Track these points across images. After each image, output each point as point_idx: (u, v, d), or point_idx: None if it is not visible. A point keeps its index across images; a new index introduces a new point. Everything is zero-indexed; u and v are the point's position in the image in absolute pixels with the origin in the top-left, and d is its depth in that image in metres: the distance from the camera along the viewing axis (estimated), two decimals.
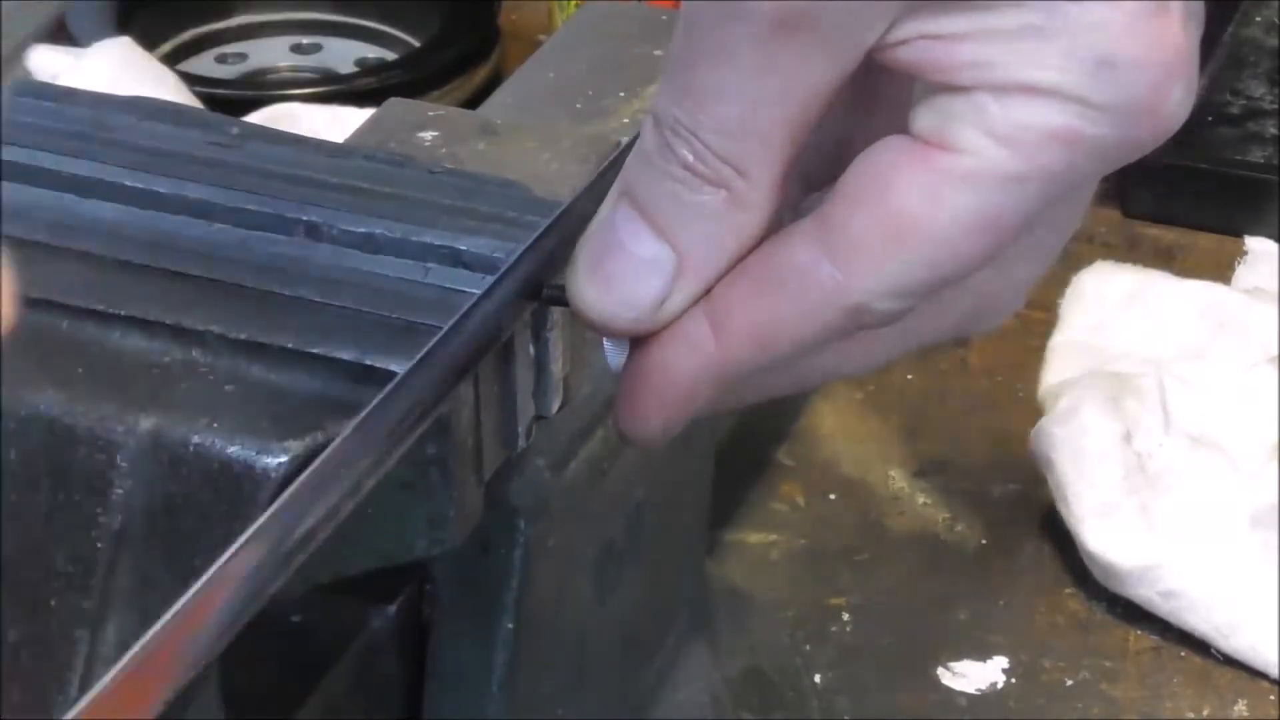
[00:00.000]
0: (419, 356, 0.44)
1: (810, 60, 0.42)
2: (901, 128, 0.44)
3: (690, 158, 0.43)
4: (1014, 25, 0.41)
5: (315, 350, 0.45)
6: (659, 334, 0.45)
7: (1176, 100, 0.42)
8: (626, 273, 0.44)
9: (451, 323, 0.45)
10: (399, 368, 0.45)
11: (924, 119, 0.43)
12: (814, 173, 0.46)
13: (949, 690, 0.81)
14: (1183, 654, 0.82)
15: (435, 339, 0.44)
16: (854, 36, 0.42)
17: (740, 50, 0.42)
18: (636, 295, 0.44)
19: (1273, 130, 1.17)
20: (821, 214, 0.44)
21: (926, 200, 0.43)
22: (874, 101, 0.47)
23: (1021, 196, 0.43)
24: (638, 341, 0.46)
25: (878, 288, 0.44)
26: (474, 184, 0.52)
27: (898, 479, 0.93)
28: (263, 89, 1.11)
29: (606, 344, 0.47)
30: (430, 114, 0.64)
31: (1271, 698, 0.80)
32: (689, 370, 0.45)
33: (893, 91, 0.46)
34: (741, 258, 0.45)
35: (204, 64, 1.16)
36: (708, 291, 0.45)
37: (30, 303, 0.46)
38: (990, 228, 0.43)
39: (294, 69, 1.17)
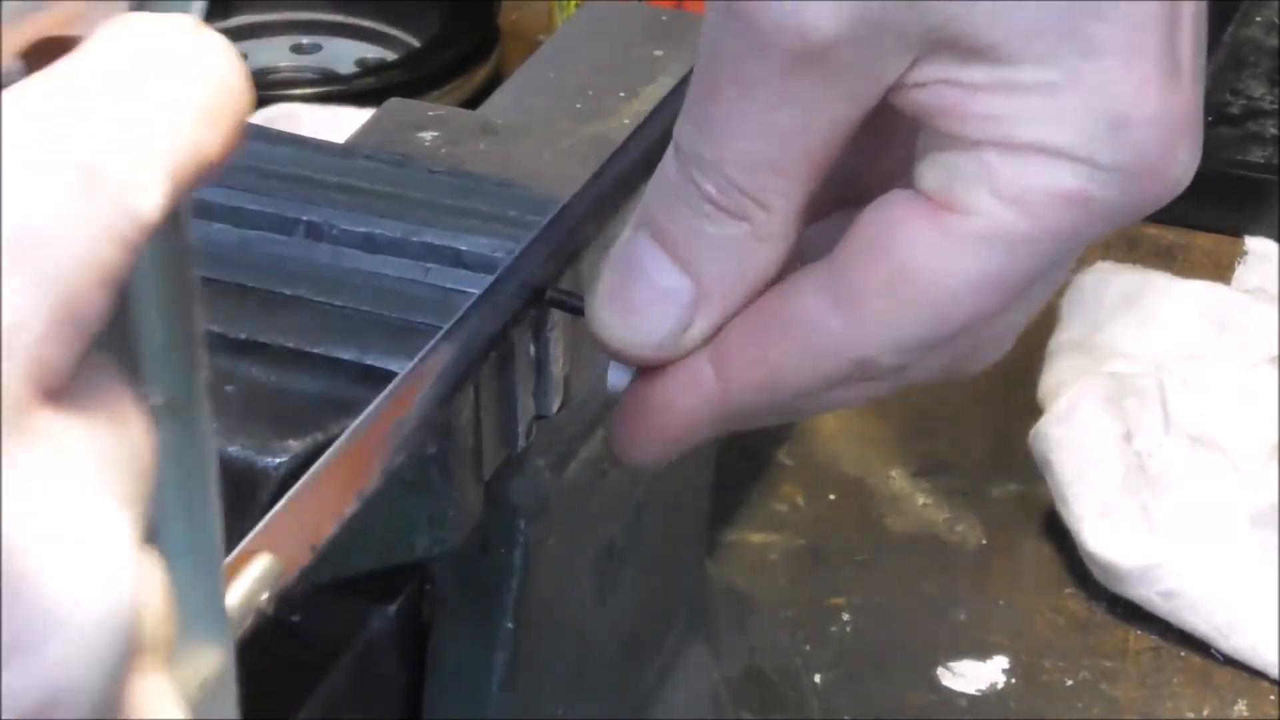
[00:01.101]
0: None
1: (831, 96, 0.42)
2: (910, 166, 0.44)
3: (712, 191, 0.43)
4: (1031, 81, 0.41)
5: (315, 350, 0.45)
6: (664, 371, 0.46)
7: (1183, 162, 0.42)
8: (648, 302, 0.45)
9: (452, 322, 0.45)
10: (399, 368, 0.45)
11: (931, 176, 0.43)
12: (821, 201, 0.46)
13: (949, 690, 0.81)
14: (1183, 654, 0.82)
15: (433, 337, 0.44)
16: (874, 74, 0.42)
17: (761, 85, 0.42)
18: (657, 325, 0.45)
19: (1273, 130, 1.17)
20: (830, 264, 0.44)
21: (935, 261, 0.43)
22: (886, 137, 0.47)
23: (1029, 258, 0.43)
24: (643, 373, 0.46)
25: (884, 343, 0.44)
26: (474, 184, 0.52)
27: (898, 479, 0.93)
28: (263, 89, 1.11)
29: (612, 366, 0.47)
30: (430, 114, 0.64)
31: (1271, 698, 0.80)
32: (691, 409, 0.46)
33: (905, 129, 0.46)
34: (763, 288, 0.45)
35: None
36: (727, 321, 0.45)
37: None
38: (997, 288, 0.43)
39: (294, 69, 1.17)
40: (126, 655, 0.27)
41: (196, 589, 0.32)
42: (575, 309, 0.48)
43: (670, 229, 0.44)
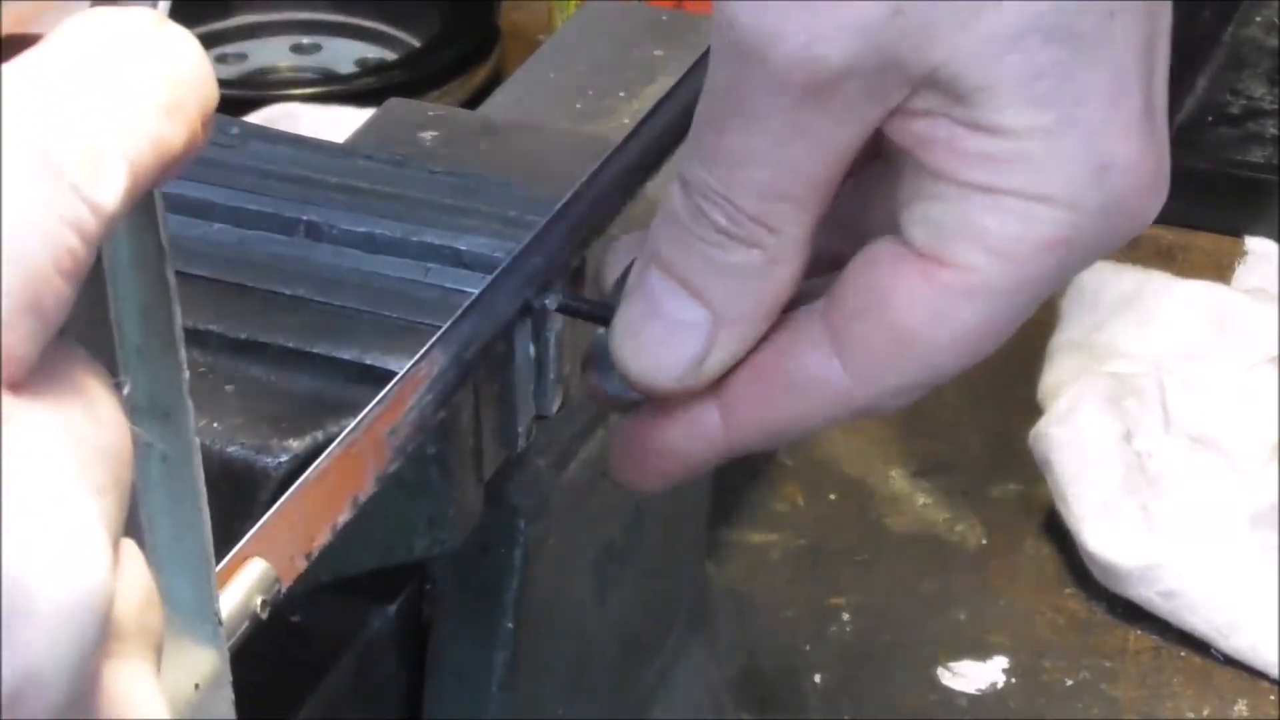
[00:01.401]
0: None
1: (838, 123, 0.43)
2: (894, 215, 0.45)
3: (723, 220, 0.44)
4: (1024, 125, 0.42)
5: (315, 350, 0.45)
6: (670, 415, 0.47)
7: (1157, 201, 0.44)
8: (665, 337, 0.45)
9: (454, 318, 0.45)
10: (399, 368, 0.45)
11: (920, 229, 0.44)
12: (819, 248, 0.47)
13: (949, 690, 0.81)
14: (1183, 654, 0.82)
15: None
16: (879, 100, 0.43)
17: (772, 118, 0.43)
18: (676, 358, 0.45)
19: (1273, 130, 1.17)
20: (827, 317, 0.45)
21: (931, 317, 0.44)
22: (871, 188, 0.48)
23: (1017, 304, 0.44)
24: (649, 406, 0.47)
25: (886, 392, 0.46)
26: (474, 184, 0.52)
27: (898, 479, 0.92)
28: (263, 89, 1.11)
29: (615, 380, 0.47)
30: (430, 114, 0.64)
31: (1271, 698, 0.80)
32: (695, 453, 0.47)
33: (889, 177, 0.46)
34: (777, 312, 0.45)
35: None
36: (746, 348, 0.46)
37: None
38: (989, 335, 0.45)
39: (294, 69, 1.17)
40: (97, 641, 0.27)
41: (187, 590, 0.32)
42: (592, 316, 0.48)
43: (682, 262, 0.45)
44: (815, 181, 0.43)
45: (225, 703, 0.34)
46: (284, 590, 0.39)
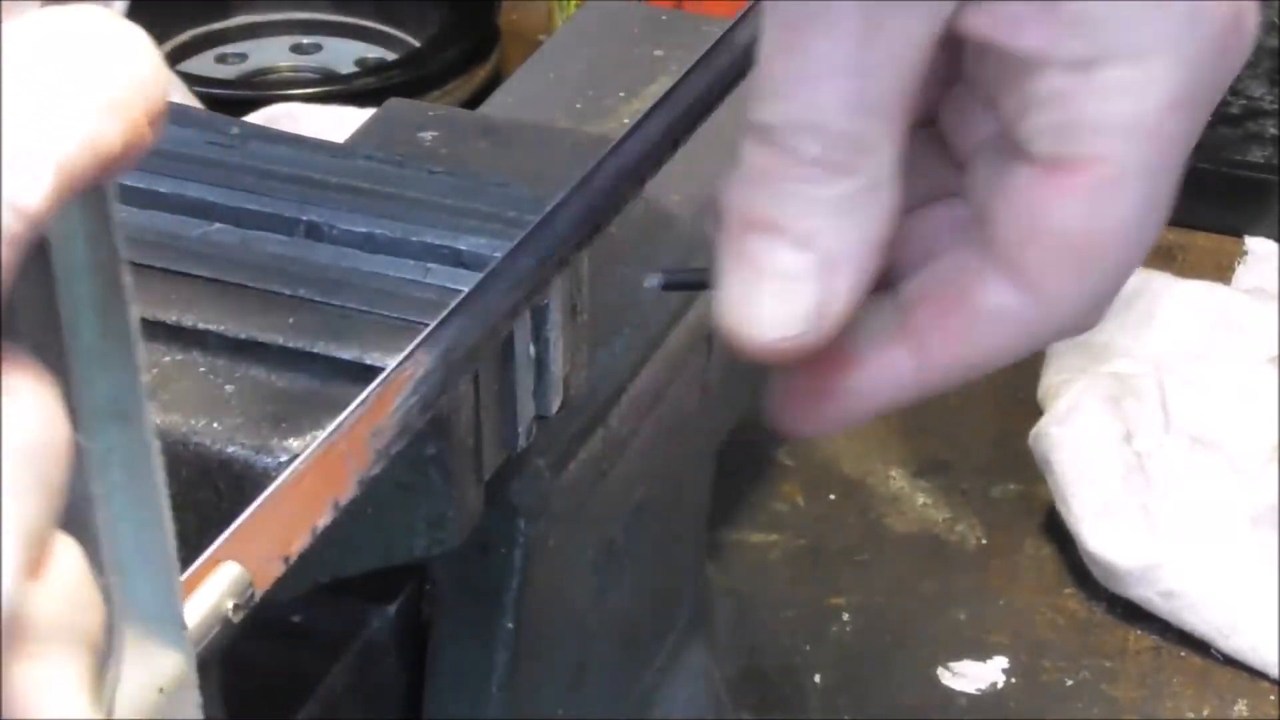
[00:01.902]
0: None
1: (914, 13, 0.42)
2: (998, 140, 0.44)
3: (815, 149, 0.42)
4: None
5: (315, 350, 0.45)
6: (856, 361, 0.45)
7: (1241, 35, 0.43)
8: (779, 295, 0.43)
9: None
10: (398, 367, 0.45)
11: (1039, 143, 0.43)
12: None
13: (949, 690, 0.81)
14: (1183, 654, 0.82)
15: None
16: None
17: (847, 18, 0.41)
18: (795, 312, 0.43)
19: (1273, 130, 1.17)
20: (994, 253, 0.44)
21: (1090, 221, 0.43)
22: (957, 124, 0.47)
23: (1163, 174, 0.43)
24: (827, 357, 0.45)
25: (1080, 309, 0.45)
26: (474, 184, 0.51)
27: (898, 479, 0.93)
28: (263, 89, 1.11)
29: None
30: (430, 114, 0.64)
31: (1271, 698, 0.80)
32: (884, 395, 0.46)
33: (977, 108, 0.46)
34: (885, 242, 0.44)
35: (204, 64, 1.16)
36: (863, 283, 0.44)
37: None
38: (1152, 215, 0.44)
39: (294, 69, 1.17)
40: None
41: (150, 593, 0.32)
42: (703, 285, 0.47)
43: (776, 213, 0.43)
44: (900, 84, 0.42)
45: (191, 705, 0.34)
46: (258, 595, 0.38)
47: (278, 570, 0.39)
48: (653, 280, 0.47)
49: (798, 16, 0.42)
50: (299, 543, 0.40)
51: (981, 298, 0.44)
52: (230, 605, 0.37)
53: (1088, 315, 0.45)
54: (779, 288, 0.43)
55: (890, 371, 0.46)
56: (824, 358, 0.45)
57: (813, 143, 0.42)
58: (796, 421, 0.47)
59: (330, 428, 0.41)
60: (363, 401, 0.41)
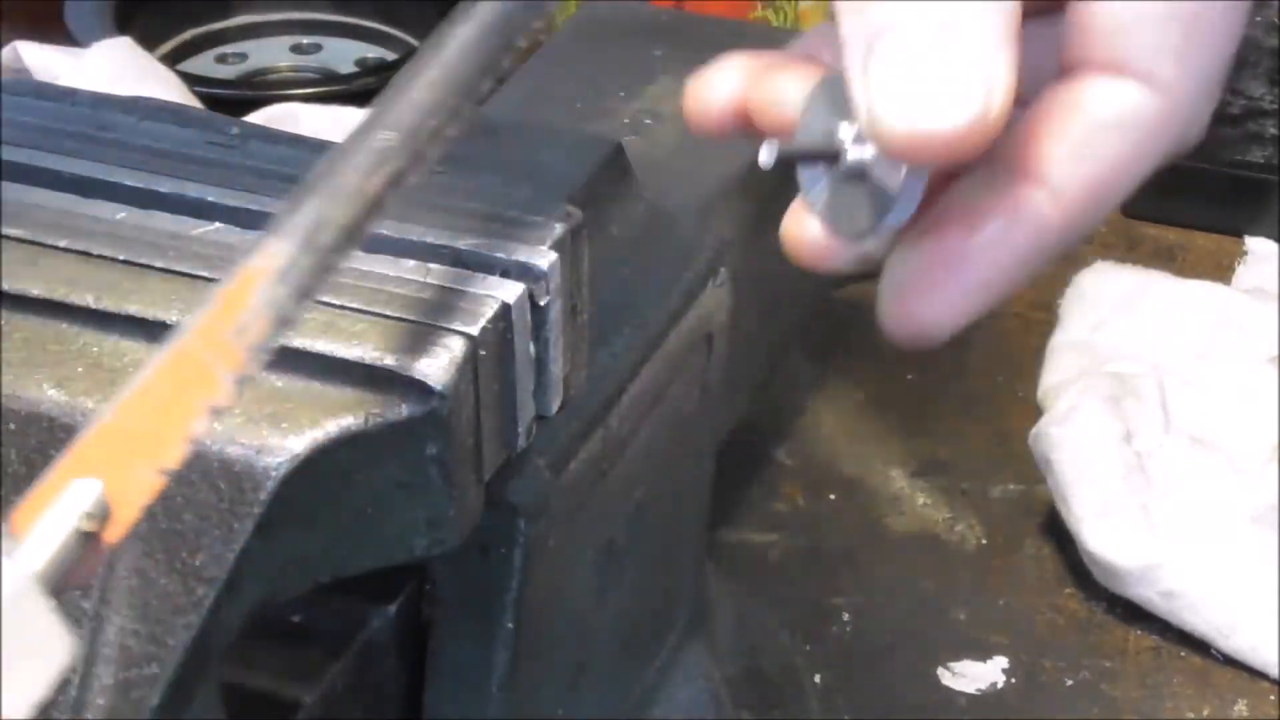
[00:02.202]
0: None
1: None
2: None
3: None
4: None
5: (315, 350, 0.45)
6: (983, 212, 0.43)
7: None
8: (942, 89, 0.40)
9: None
10: (399, 367, 0.45)
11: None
12: None
13: (949, 690, 0.81)
14: (1183, 654, 0.82)
15: None
16: None
17: None
18: (965, 106, 0.40)
19: (1273, 130, 1.17)
20: (1105, 52, 0.43)
21: None
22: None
23: None
24: (942, 225, 0.43)
25: (1192, 94, 0.43)
26: (474, 184, 0.51)
27: (898, 479, 0.93)
28: (263, 89, 1.11)
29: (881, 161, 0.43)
30: None
31: (1271, 698, 0.80)
32: (1026, 244, 0.43)
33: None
34: (1019, 28, 0.42)
35: (204, 64, 1.16)
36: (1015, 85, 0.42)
37: (31, 302, 0.46)
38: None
39: (294, 69, 1.17)
40: None
41: None
42: (821, 155, 0.45)
43: (917, 11, 0.41)
44: None
45: (43, 615, 0.34)
46: (137, 508, 0.37)
47: (160, 481, 0.38)
48: (767, 153, 0.44)
49: None
50: (176, 452, 0.38)
51: (1096, 106, 0.43)
52: (82, 517, 0.37)
53: (1200, 103, 0.43)
54: (941, 84, 0.40)
55: (1024, 212, 0.43)
56: (948, 219, 0.43)
57: None
58: (922, 311, 0.44)
59: (176, 333, 0.39)
60: (212, 304, 0.39)
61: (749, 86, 0.48)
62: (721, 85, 0.48)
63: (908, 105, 0.40)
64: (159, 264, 0.48)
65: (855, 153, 0.44)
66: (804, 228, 0.46)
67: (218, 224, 0.50)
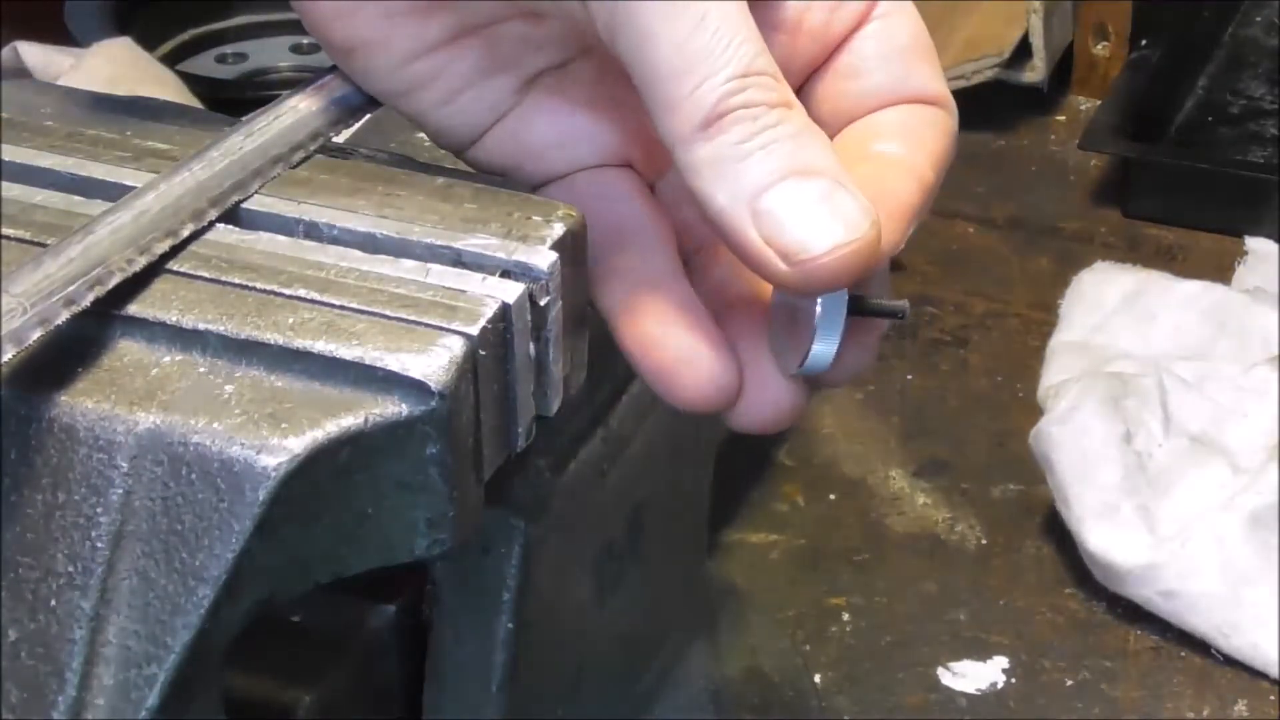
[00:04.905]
0: None
1: None
2: None
3: (771, 96, 0.45)
4: None
5: (315, 350, 0.45)
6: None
7: None
8: (826, 217, 0.45)
9: None
10: (399, 368, 0.45)
11: None
12: None
13: (949, 690, 0.81)
14: (1183, 654, 0.82)
15: None
16: None
17: None
18: (849, 215, 0.45)
19: (1273, 130, 1.18)
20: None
21: None
22: None
23: None
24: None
25: None
26: (473, 184, 0.51)
27: (898, 479, 0.93)
28: (263, 89, 1.11)
29: (821, 335, 0.47)
30: None
31: (1271, 698, 0.80)
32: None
33: None
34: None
35: (204, 64, 1.16)
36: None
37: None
38: None
39: (294, 69, 1.17)
40: None
41: None
42: (893, 313, 0.48)
43: (786, 164, 0.45)
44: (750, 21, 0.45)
45: None
46: None
47: None
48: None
49: (668, 11, 0.44)
50: None
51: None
52: None
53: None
54: (820, 210, 0.45)
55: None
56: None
57: (757, 90, 0.45)
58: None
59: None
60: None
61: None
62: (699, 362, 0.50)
63: (787, 242, 0.45)
64: (159, 264, 0.48)
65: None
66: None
67: (218, 224, 0.50)
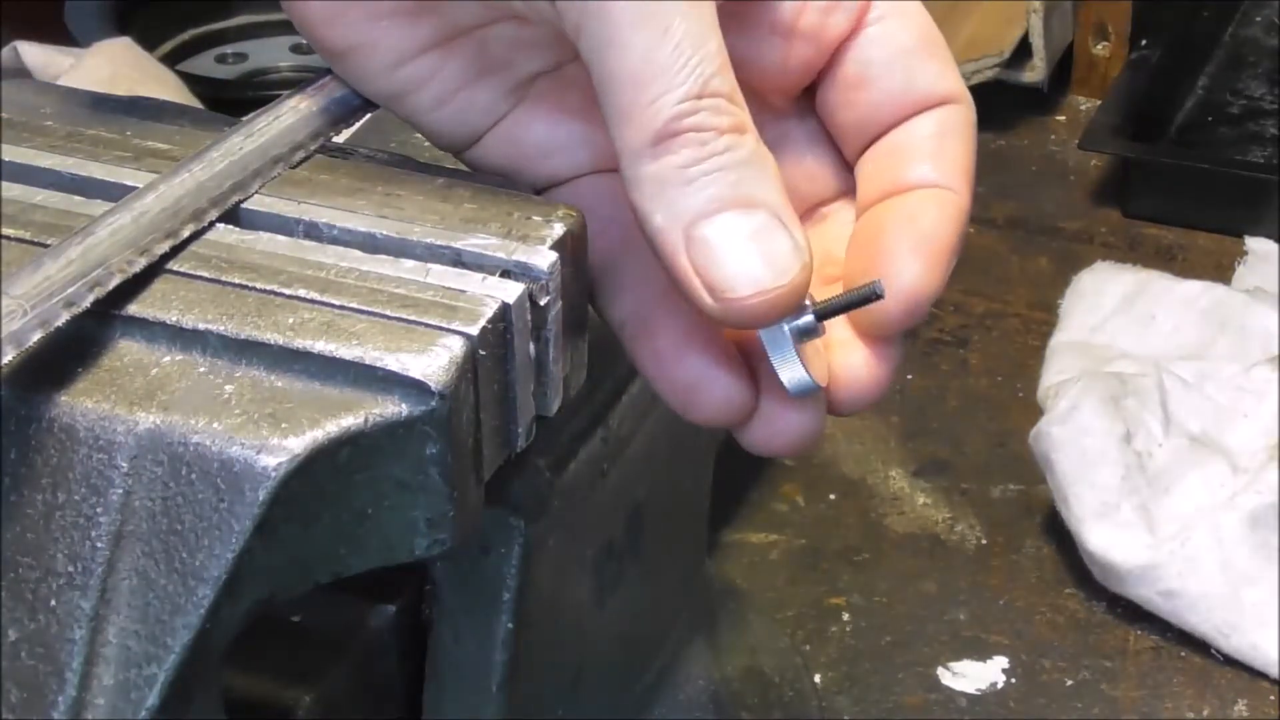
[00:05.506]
0: None
1: None
2: None
3: (724, 122, 0.45)
4: None
5: (315, 350, 0.45)
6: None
7: None
8: (756, 254, 0.45)
9: None
10: (399, 368, 0.45)
11: None
12: None
13: (949, 690, 0.81)
14: (1183, 654, 0.82)
15: None
16: None
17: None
18: (779, 256, 0.45)
19: (1273, 130, 1.18)
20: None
21: None
22: None
23: None
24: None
25: None
26: (473, 184, 0.51)
27: (897, 479, 0.93)
28: (263, 89, 1.11)
29: (788, 372, 0.47)
30: None
31: (1271, 698, 0.80)
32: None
33: None
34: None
35: (204, 64, 1.16)
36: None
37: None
38: None
39: (294, 69, 1.17)
40: None
41: None
42: (866, 298, 0.48)
43: (726, 194, 0.45)
44: (721, 43, 0.45)
45: None
46: None
47: None
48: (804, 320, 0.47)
49: (633, 18, 0.44)
50: None
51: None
52: None
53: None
54: (750, 249, 0.45)
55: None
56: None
57: (719, 114, 0.45)
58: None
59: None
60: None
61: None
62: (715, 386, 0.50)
63: (714, 278, 0.45)
64: (159, 264, 0.48)
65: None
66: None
67: (218, 224, 0.50)
